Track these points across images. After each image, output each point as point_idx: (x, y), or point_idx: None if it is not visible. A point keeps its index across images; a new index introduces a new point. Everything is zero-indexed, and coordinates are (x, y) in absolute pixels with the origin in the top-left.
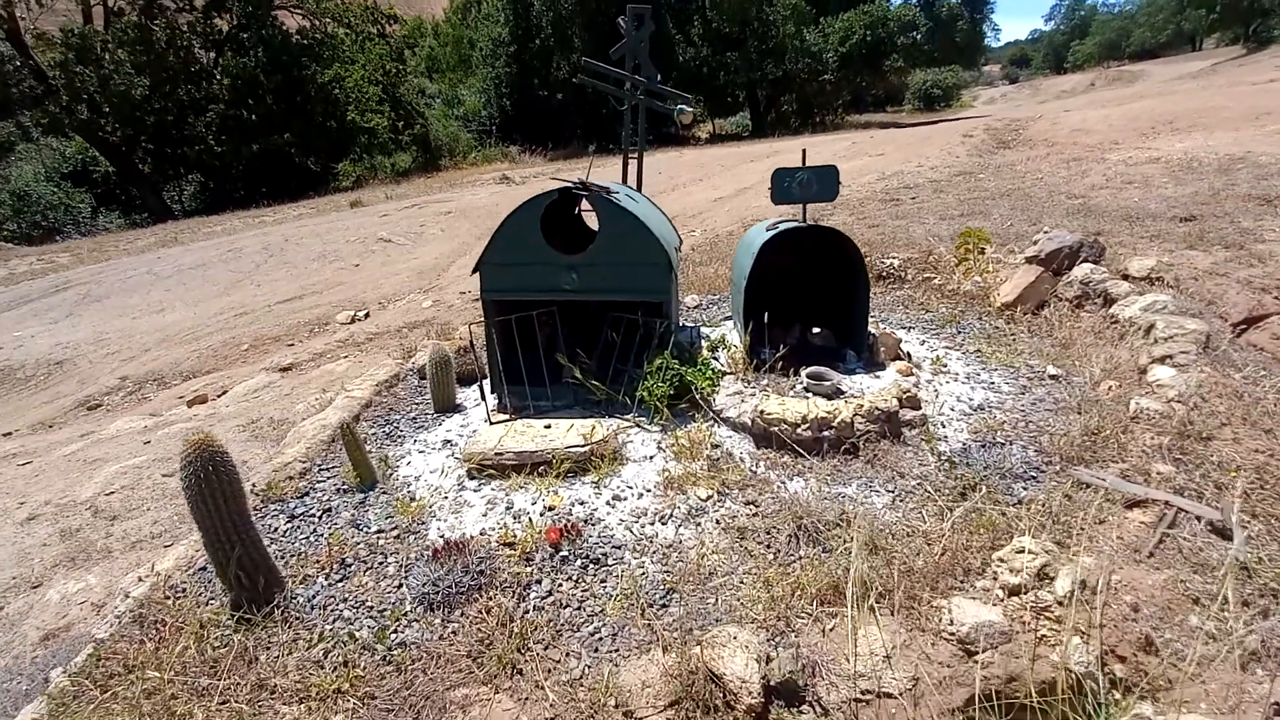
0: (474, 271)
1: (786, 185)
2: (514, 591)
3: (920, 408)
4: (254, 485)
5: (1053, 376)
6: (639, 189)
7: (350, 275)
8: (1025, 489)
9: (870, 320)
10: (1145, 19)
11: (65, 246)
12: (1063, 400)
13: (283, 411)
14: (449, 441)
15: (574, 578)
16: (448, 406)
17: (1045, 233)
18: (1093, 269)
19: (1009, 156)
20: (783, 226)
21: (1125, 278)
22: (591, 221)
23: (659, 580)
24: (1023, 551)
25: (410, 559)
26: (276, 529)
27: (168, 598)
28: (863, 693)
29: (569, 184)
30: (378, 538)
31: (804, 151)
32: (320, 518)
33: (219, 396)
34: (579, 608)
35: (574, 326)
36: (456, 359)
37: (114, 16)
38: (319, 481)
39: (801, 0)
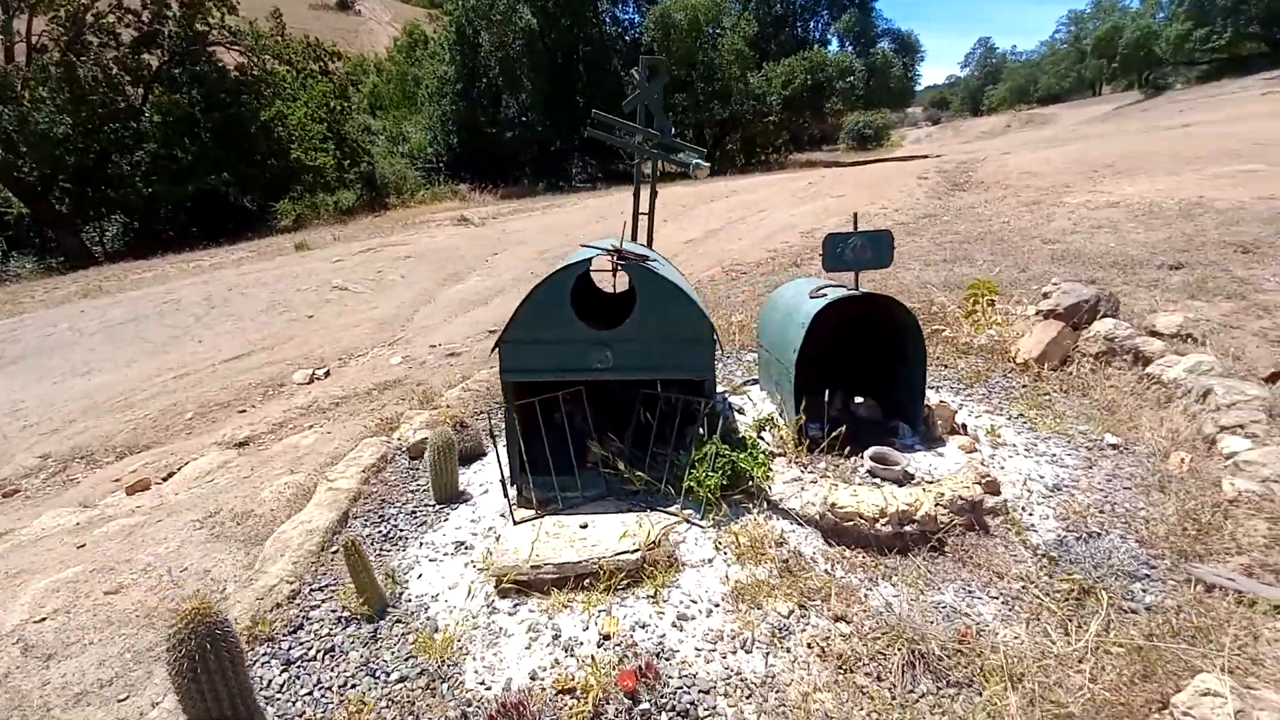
0: (493, 349)
1: (839, 251)
2: None
3: (1000, 492)
4: (234, 619)
5: (1113, 446)
6: (649, 246)
7: (303, 328)
8: (1144, 590)
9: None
10: (1050, 67)
11: None
12: (1138, 476)
13: (245, 501)
14: (462, 544)
15: None
16: (450, 497)
17: (1056, 285)
18: (1115, 324)
19: (967, 199)
20: (832, 295)
21: (1154, 334)
22: (600, 281)
23: None
24: (1209, 694)
25: None
26: (270, 681)
27: None
28: None
29: (603, 251)
30: (401, 689)
31: (855, 215)
32: (323, 661)
33: (164, 481)
34: None
35: (598, 405)
36: (456, 437)
37: (36, 53)
38: (313, 607)
39: (745, 46)
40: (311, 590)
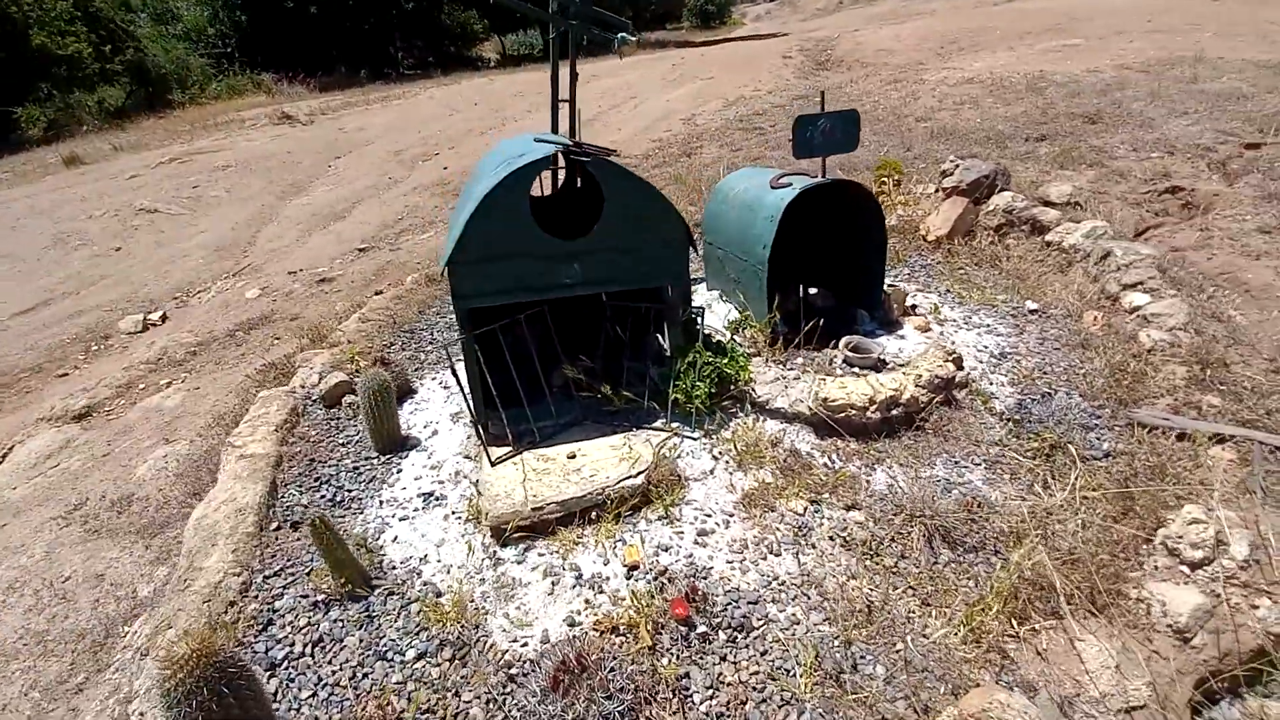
0: (442, 273)
1: (809, 136)
2: (669, 701)
3: (963, 367)
4: (182, 630)
5: (1033, 311)
6: (572, 137)
7: (114, 265)
8: (1099, 439)
9: None
10: None
11: None
12: (1063, 337)
13: (118, 484)
14: (430, 495)
15: (728, 657)
16: (394, 444)
17: (955, 162)
18: (1013, 197)
19: (834, 78)
20: (800, 185)
21: (1047, 204)
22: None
23: (827, 634)
24: (1196, 522)
25: (497, 689)
26: None
27: None
28: (1121, 712)
29: (563, 145)
30: (425, 667)
31: (823, 94)
32: (315, 655)
33: None
34: (764, 698)
35: (558, 322)
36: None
37: None
38: (275, 598)
39: None
40: (266, 579)
